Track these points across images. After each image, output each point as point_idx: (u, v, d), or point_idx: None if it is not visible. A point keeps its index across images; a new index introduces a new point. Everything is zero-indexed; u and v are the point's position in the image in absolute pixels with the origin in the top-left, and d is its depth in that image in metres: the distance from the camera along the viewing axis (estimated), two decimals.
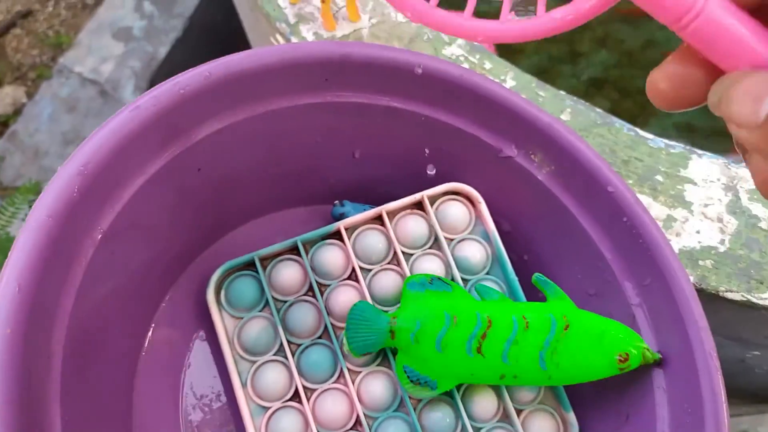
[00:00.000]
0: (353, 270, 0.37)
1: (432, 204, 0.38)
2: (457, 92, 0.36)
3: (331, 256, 0.36)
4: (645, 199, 0.39)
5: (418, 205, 0.38)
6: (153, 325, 0.36)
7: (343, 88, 0.35)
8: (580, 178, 0.35)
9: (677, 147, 0.41)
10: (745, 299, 0.37)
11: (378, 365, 0.35)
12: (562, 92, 0.43)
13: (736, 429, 0.93)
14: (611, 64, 0.78)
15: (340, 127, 0.37)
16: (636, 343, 0.32)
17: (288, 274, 0.36)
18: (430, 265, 0.37)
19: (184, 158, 0.32)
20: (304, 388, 0.35)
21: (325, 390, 0.35)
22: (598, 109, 0.42)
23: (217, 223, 0.38)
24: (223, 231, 0.39)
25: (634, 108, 0.78)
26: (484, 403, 0.35)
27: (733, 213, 0.39)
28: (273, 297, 0.36)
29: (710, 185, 0.40)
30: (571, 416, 0.35)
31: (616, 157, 0.41)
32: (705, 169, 0.40)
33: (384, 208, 0.37)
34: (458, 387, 0.35)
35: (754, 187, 0.40)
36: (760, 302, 0.37)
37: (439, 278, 0.35)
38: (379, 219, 0.38)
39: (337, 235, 0.37)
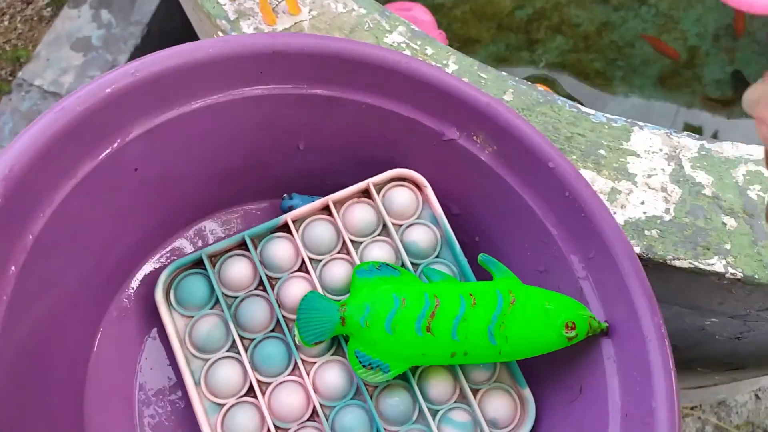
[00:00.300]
0: (303, 262, 0.37)
1: (379, 191, 0.38)
2: (395, 78, 0.36)
3: (280, 249, 0.36)
4: (589, 174, 0.40)
5: (366, 193, 0.38)
6: (101, 329, 0.35)
7: (280, 80, 0.35)
8: (522, 156, 0.36)
9: (619, 121, 0.41)
10: (693, 266, 0.38)
11: (333, 354, 0.35)
12: (504, 73, 0.43)
13: (714, 399, 0.94)
14: (568, 49, 0.78)
15: (281, 120, 0.37)
16: (581, 312, 0.32)
17: (237, 269, 0.36)
18: (380, 252, 0.37)
19: (118, 158, 0.31)
20: (259, 382, 0.34)
21: (280, 383, 0.34)
22: (540, 88, 0.43)
23: (164, 224, 0.37)
24: (171, 231, 0.38)
25: (593, 91, 0.78)
26: (440, 385, 0.35)
27: (677, 182, 0.40)
28: (223, 293, 0.36)
29: (653, 156, 0.40)
30: (527, 392, 0.35)
31: (560, 134, 0.41)
32: (647, 141, 0.41)
33: (330, 198, 0.37)
34: (413, 371, 0.35)
35: (696, 155, 0.40)
36: (708, 268, 0.38)
37: (387, 264, 0.35)
38: (327, 209, 0.38)
39: (285, 227, 0.37)
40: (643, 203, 0.39)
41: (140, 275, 0.37)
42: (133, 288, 0.37)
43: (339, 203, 0.38)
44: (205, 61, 0.32)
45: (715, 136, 0.70)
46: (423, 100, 0.37)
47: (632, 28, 0.77)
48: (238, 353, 0.35)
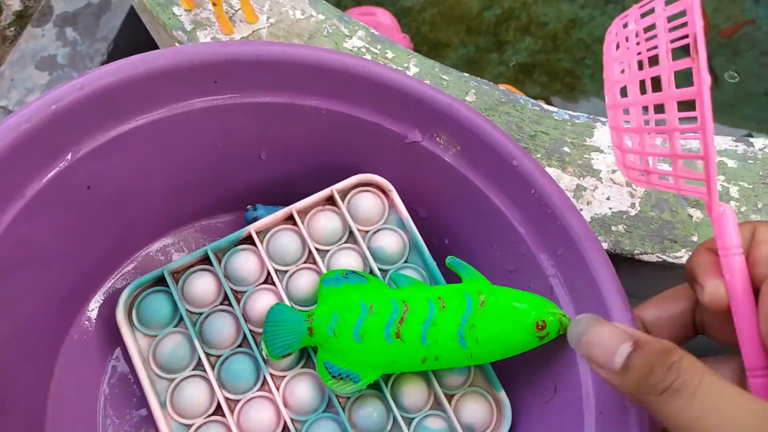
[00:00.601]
0: (269, 273, 0.36)
1: (344, 198, 0.37)
2: (354, 82, 0.35)
3: (244, 262, 0.35)
4: (554, 171, 0.40)
5: (330, 200, 0.37)
6: (62, 353, 0.34)
7: (236, 89, 0.34)
8: (486, 155, 0.35)
9: (581, 117, 0.41)
10: (660, 260, 0.37)
11: (302, 367, 0.35)
12: (465, 74, 0.43)
13: None
14: (536, 49, 0.79)
15: (240, 130, 0.36)
16: (551, 311, 0.32)
17: (201, 285, 0.35)
18: (347, 260, 0.36)
19: (69, 176, 0.30)
20: (227, 399, 0.33)
21: (249, 399, 0.34)
22: (502, 87, 0.42)
23: (123, 242, 0.36)
24: (132, 249, 0.37)
25: (564, 89, 0.79)
26: (414, 393, 0.34)
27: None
28: (187, 310, 0.35)
29: (617, 151, 0.40)
30: (502, 395, 0.35)
31: (523, 133, 0.41)
32: (610, 137, 0.41)
33: (294, 207, 0.36)
34: (386, 380, 0.34)
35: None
36: (676, 261, 0.37)
37: (354, 272, 0.34)
38: (291, 219, 0.37)
39: (249, 239, 0.36)
40: (608, 199, 0.39)
41: (101, 295, 0.36)
42: (94, 309, 0.36)
43: (303, 212, 0.37)
44: (155, 73, 0.31)
45: None
46: (383, 103, 0.36)
47: (600, 25, 0.78)
48: (205, 371, 0.34)
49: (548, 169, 0.40)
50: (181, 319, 0.35)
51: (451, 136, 0.36)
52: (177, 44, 0.45)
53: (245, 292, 0.35)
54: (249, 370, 0.34)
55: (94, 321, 0.36)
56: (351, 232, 0.37)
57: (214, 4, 0.42)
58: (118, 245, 0.36)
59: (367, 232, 0.37)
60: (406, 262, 0.37)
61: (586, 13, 0.80)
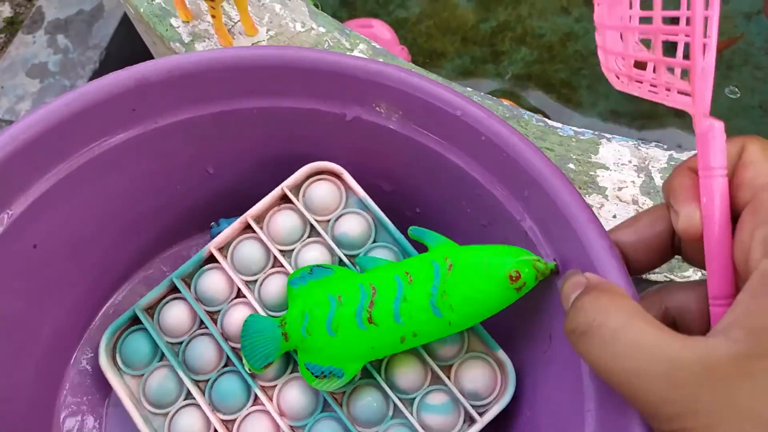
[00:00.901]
0: (239, 287, 0.35)
1: (297, 192, 0.36)
2: (276, 74, 0.34)
3: (212, 282, 0.35)
4: None
5: (285, 198, 0.36)
6: (55, 415, 0.34)
7: (157, 111, 0.33)
8: (428, 113, 0.33)
9: (587, 133, 0.40)
10: (668, 279, 0.36)
11: (291, 373, 0.34)
12: (469, 89, 0.42)
13: None
14: (533, 60, 0.79)
15: (176, 150, 0.35)
16: (523, 259, 0.29)
17: (175, 314, 0.34)
18: (314, 254, 0.35)
19: (11, 238, 0.30)
20: (223, 422, 0.33)
21: (245, 417, 0.33)
22: (506, 102, 0.41)
23: (89, 292, 0.36)
24: (101, 297, 0.37)
25: (560, 100, 0.78)
26: (409, 373, 0.33)
27: (647, 194, 0.38)
28: (167, 342, 0.34)
29: (622, 168, 0.39)
30: (501, 354, 0.33)
31: None
32: (616, 153, 0.39)
33: (248, 215, 0.35)
34: (378, 367, 0.33)
35: (665, 166, 0.38)
36: (684, 281, 0.36)
37: (319, 266, 0.33)
38: (250, 227, 0.36)
39: (214, 257, 0.36)
40: (615, 217, 0.38)
41: (83, 348, 0.36)
42: (80, 362, 0.36)
43: (260, 217, 0.36)
44: (68, 119, 0.30)
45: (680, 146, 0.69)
46: (312, 88, 0.34)
47: (595, 39, 0.77)
48: (195, 399, 0.33)
49: None
50: (164, 352, 0.34)
51: (389, 103, 0.35)
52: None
53: (220, 311, 0.35)
54: (238, 388, 0.33)
55: (82, 373, 0.36)
56: (312, 226, 0.36)
57: (213, 17, 0.41)
58: (88, 293, 0.36)
59: (329, 221, 0.36)
60: (374, 242, 0.35)
61: (581, 26, 0.80)
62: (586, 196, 0.38)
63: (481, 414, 0.32)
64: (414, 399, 0.33)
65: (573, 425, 0.27)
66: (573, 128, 0.40)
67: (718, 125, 0.23)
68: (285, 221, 0.35)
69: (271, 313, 0.34)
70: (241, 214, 0.37)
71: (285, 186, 0.35)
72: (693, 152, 0.39)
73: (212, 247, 0.35)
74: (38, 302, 0.33)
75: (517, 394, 0.32)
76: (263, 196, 0.36)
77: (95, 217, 0.34)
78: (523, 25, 0.80)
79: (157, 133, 0.34)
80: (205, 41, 0.44)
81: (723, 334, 0.20)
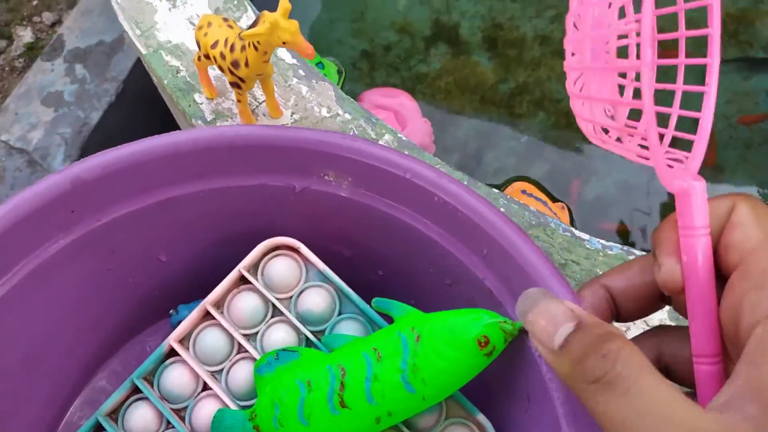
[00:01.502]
0: (204, 380, 0.33)
1: (256, 271, 0.35)
2: (219, 155, 0.33)
3: (176, 377, 0.33)
4: None
5: (244, 279, 0.35)
6: None
7: (98, 209, 0.32)
8: (377, 178, 0.33)
9: (615, 248, 0.38)
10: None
11: None
12: (495, 191, 0.40)
13: None
14: (550, 124, 0.79)
15: (124, 243, 0.34)
16: (489, 322, 0.28)
17: (141, 416, 0.33)
18: (280, 335, 0.34)
19: None
20: None
21: None
22: (532, 208, 0.40)
23: (55, 396, 0.35)
24: (70, 397, 0.36)
25: (573, 168, 0.77)
26: None
27: (676, 319, 0.36)
28: None
29: None
30: (481, 417, 0.32)
31: (553, 261, 0.37)
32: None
33: (207, 302, 0.34)
34: None
35: None
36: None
37: (285, 349, 0.32)
38: (210, 313, 0.35)
39: (175, 350, 0.34)
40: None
41: None
42: None
43: (219, 302, 0.34)
44: (5, 231, 0.29)
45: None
46: (258, 164, 0.34)
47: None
48: None
49: None
50: None
51: (337, 171, 0.34)
52: None
53: (187, 407, 0.33)
54: None
55: None
56: (274, 305, 0.34)
57: (238, 101, 0.39)
58: (48, 403, 0.35)
59: (291, 297, 0.34)
60: (340, 314, 0.34)
61: None
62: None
63: None
64: None
65: None
66: (601, 241, 0.39)
67: (699, 186, 0.23)
68: (246, 303, 0.34)
69: (240, 403, 0.33)
70: (200, 298, 0.36)
71: (242, 267, 0.34)
72: None
73: (172, 340, 0.34)
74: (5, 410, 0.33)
75: None
76: (222, 277, 0.35)
77: (45, 326, 0.33)
78: (541, 88, 0.80)
79: (100, 231, 0.33)
80: (228, 120, 0.43)
81: (737, 411, 0.19)
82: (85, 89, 1.02)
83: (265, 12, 0.33)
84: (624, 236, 0.74)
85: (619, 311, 0.27)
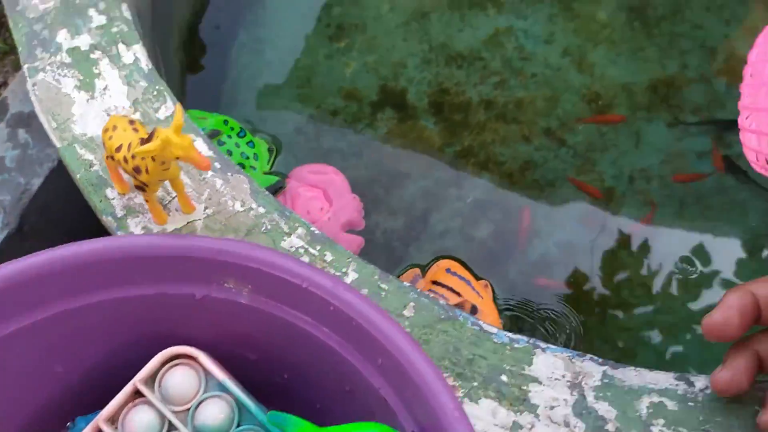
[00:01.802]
0: None
1: (153, 383, 0.34)
2: (116, 264, 0.33)
3: None
4: (491, 404, 0.37)
5: (140, 393, 0.34)
6: None
7: None
8: (275, 286, 0.33)
9: (521, 341, 0.39)
10: None
11: None
12: (406, 284, 0.41)
13: None
14: (493, 186, 0.81)
15: (17, 357, 0.33)
16: None
17: None
18: None
19: None
20: None
21: None
22: (442, 302, 0.40)
23: None
24: None
25: (517, 228, 0.79)
26: None
27: (580, 415, 0.37)
28: None
29: (555, 383, 0.37)
30: None
31: (461, 356, 0.38)
32: (549, 366, 0.38)
33: (100, 418, 0.33)
34: None
35: (599, 383, 0.37)
36: None
37: None
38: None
39: None
40: None
41: None
42: None
43: (114, 417, 0.34)
44: None
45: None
46: (156, 273, 0.33)
47: (553, 169, 0.81)
48: None
49: (484, 401, 0.37)
50: None
51: (237, 279, 0.34)
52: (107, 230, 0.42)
53: None
54: None
55: None
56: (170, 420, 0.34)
57: (146, 200, 0.39)
58: None
59: (188, 410, 0.34)
60: (239, 426, 0.34)
61: (540, 155, 0.82)
62: (518, 414, 0.36)
63: None
64: None
65: None
66: (507, 334, 0.39)
67: None
68: (141, 418, 0.33)
69: None
70: (101, 408, 0.35)
71: (138, 380, 0.34)
72: (630, 368, 0.38)
73: None
74: None
75: None
76: (123, 385, 0.34)
77: None
78: (486, 151, 0.82)
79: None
80: (138, 216, 0.42)
81: None
82: (28, 154, 1.00)
83: (159, 128, 0.33)
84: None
85: (762, 317, 0.31)
